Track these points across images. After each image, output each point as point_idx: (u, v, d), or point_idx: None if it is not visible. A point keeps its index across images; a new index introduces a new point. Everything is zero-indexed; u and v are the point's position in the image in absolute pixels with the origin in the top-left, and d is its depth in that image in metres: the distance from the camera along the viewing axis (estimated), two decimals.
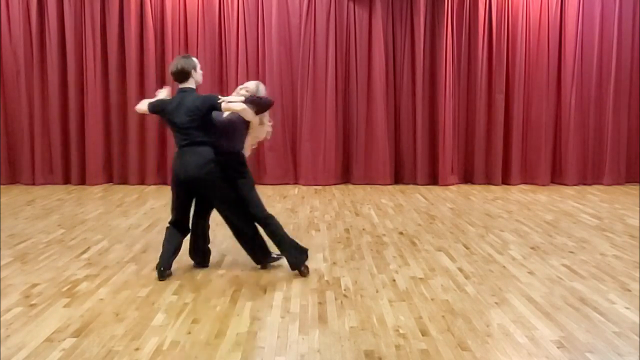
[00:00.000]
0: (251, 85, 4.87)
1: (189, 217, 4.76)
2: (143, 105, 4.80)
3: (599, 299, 4.12)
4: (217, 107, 4.47)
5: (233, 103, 4.46)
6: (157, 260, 4.59)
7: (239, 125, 4.66)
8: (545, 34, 8.92)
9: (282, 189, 8.58)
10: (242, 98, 4.54)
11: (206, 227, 4.89)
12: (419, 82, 8.87)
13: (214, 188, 4.58)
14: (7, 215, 6.80)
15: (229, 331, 3.56)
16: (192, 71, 4.56)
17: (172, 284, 4.40)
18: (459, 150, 9.11)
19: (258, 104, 4.57)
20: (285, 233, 4.74)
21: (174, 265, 4.86)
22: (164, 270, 4.54)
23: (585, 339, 3.47)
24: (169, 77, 4.90)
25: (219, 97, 4.52)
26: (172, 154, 8.62)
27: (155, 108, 4.70)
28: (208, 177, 4.50)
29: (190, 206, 4.73)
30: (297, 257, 4.65)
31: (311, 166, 8.95)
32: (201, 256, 4.88)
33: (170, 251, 4.62)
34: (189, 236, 4.81)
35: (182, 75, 4.54)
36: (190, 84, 4.60)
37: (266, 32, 8.84)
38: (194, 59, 4.65)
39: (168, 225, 4.74)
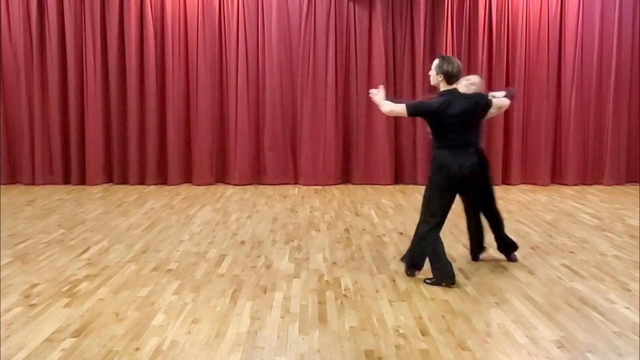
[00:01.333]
0: (476, 79, 5.13)
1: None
2: (394, 107, 4.60)
3: (599, 299, 4.12)
4: (489, 106, 4.71)
5: (499, 99, 4.86)
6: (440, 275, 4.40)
7: (482, 122, 4.88)
8: (545, 34, 8.92)
9: (282, 189, 8.58)
10: (503, 94, 4.96)
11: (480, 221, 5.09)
12: (419, 82, 8.87)
13: (477, 184, 4.70)
14: (7, 215, 6.80)
15: (229, 331, 3.56)
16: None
17: (172, 284, 4.40)
18: None
19: (513, 97, 5.18)
20: None
21: (174, 264, 4.87)
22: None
23: (585, 339, 3.47)
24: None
25: (488, 96, 4.77)
26: (172, 154, 8.81)
27: (419, 109, 4.61)
28: (477, 173, 4.58)
29: None
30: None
31: (311, 166, 8.95)
32: (483, 247, 5.11)
33: (446, 259, 4.47)
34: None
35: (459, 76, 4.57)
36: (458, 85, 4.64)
37: (266, 32, 8.84)
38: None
39: (429, 231, 4.45)
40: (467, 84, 4.93)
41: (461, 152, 4.48)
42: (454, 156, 4.46)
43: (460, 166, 4.44)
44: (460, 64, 4.53)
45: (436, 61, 4.53)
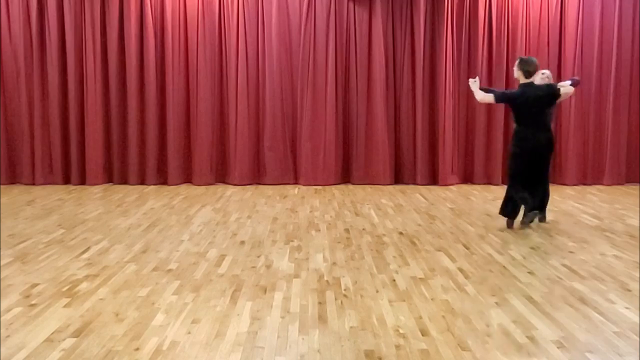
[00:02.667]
0: (548, 72, 6.49)
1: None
2: (485, 96, 6.08)
3: (599, 299, 4.12)
4: (558, 95, 6.00)
5: (566, 87, 6.08)
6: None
7: (554, 106, 6.28)
8: (545, 34, 8.93)
9: (282, 189, 8.58)
10: (569, 82, 6.22)
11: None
12: (419, 82, 8.88)
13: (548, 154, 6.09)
14: (7, 215, 6.80)
15: (229, 331, 3.56)
16: None
17: (172, 284, 4.40)
18: (459, 150, 9.12)
19: (577, 84, 6.47)
20: None
21: (174, 264, 4.88)
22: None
23: (585, 339, 3.46)
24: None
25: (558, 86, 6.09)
26: (172, 154, 8.83)
27: (504, 97, 6.11)
28: (548, 146, 6.03)
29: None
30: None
31: (311, 166, 8.95)
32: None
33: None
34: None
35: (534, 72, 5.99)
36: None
37: (266, 32, 8.84)
38: None
39: (515, 191, 5.94)
40: (542, 77, 6.26)
41: (537, 130, 5.88)
42: (532, 133, 5.87)
43: (536, 140, 5.87)
44: (537, 63, 5.94)
45: (517, 60, 6.00)
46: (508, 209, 6.09)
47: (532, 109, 5.86)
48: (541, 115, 5.90)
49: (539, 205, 6.18)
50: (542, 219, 6.37)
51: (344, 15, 8.89)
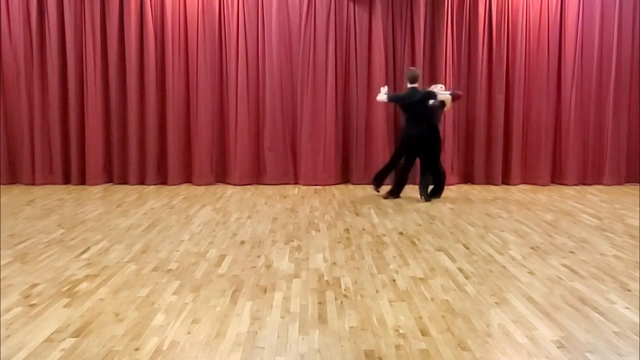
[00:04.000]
0: (440, 85, 8.08)
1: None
2: (380, 98, 7.77)
3: (599, 299, 4.12)
4: (433, 98, 7.50)
5: (443, 95, 7.62)
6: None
7: (439, 108, 7.73)
8: (545, 34, 8.93)
9: (282, 189, 8.58)
10: (449, 93, 7.73)
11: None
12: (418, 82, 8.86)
13: (429, 148, 7.55)
14: (7, 215, 6.80)
15: (229, 331, 3.56)
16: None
17: (172, 284, 4.40)
18: (459, 151, 9.12)
19: (457, 97, 7.86)
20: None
21: (174, 264, 4.88)
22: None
23: (585, 339, 3.47)
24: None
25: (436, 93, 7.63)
26: (172, 154, 8.84)
27: (394, 98, 7.79)
28: (427, 141, 7.52)
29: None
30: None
31: (311, 166, 8.95)
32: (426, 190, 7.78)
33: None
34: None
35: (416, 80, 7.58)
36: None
37: (266, 32, 8.84)
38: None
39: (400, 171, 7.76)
40: (435, 86, 7.90)
41: (418, 125, 7.44)
42: (414, 127, 7.46)
43: (417, 132, 7.44)
44: (416, 73, 7.54)
45: (407, 71, 7.70)
46: (378, 175, 7.88)
47: (414, 108, 7.43)
48: (422, 113, 7.42)
49: (434, 184, 7.69)
50: (434, 195, 7.74)
51: (344, 15, 8.89)
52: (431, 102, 7.48)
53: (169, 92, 8.82)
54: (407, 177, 7.79)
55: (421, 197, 7.68)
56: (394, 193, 7.79)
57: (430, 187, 7.74)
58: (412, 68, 7.84)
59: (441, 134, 8.88)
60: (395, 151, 7.79)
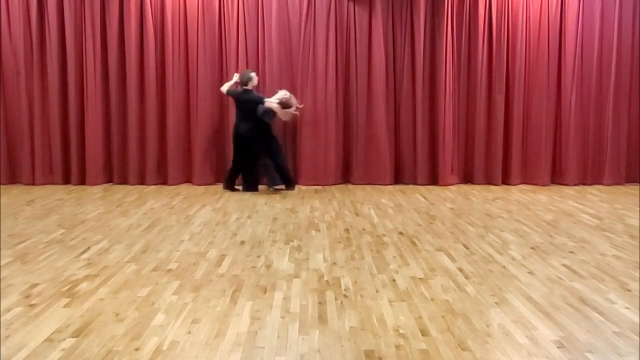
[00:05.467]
0: (284, 91, 8.29)
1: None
2: (222, 89, 8.45)
3: (599, 299, 4.13)
4: (259, 102, 8.08)
5: (269, 102, 8.08)
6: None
7: (270, 111, 8.23)
8: (545, 34, 8.92)
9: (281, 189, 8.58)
10: (276, 101, 8.11)
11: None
12: (419, 82, 8.88)
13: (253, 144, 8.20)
14: (7, 215, 6.80)
15: (229, 331, 3.56)
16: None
17: (172, 284, 4.40)
18: (459, 150, 9.12)
19: (285, 106, 8.19)
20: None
21: (174, 264, 4.88)
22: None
23: (585, 339, 3.47)
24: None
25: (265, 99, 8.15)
26: (172, 154, 8.84)
27: (229, 94, 8.41)
28: (252, 137, 8.16)
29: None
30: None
31: (311, 166, 8.95)
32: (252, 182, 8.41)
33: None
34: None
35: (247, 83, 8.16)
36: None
37: (266, 32, 8.84)
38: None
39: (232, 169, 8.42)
40: (280, 92, 8.27)
41: (243, 123, 8.09)
42: (239, 125, 8.12)
43: (241, 130, 8.09)
44: (249, 75, 8.12)
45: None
46: (227, 178, 8.43)
47: (242, 107, 8.10)
48: (249, 113, 8.05)
49: (282, 177, 8.37)
50: (277, 182, 8.40)
51: (344, 15, 8.88)
52: (260, 107, 8.08)
53: (169, 92, 8.81)
54: (258, 169, 8.38)
55: (243, 188, 8.37)
56: (272, 184, 8.40)
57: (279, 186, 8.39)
58: (244, 70, 8.28)
59: (450, 134, 8.94)
60: (233, 150, 8.35)
